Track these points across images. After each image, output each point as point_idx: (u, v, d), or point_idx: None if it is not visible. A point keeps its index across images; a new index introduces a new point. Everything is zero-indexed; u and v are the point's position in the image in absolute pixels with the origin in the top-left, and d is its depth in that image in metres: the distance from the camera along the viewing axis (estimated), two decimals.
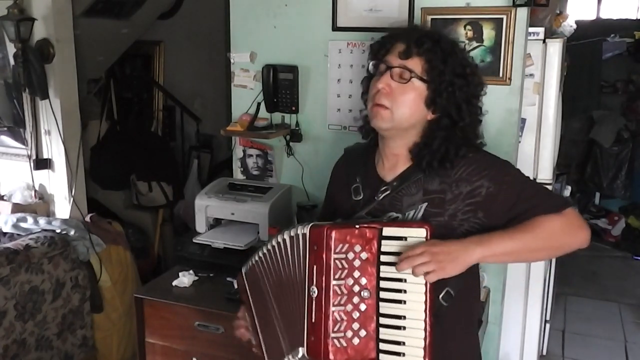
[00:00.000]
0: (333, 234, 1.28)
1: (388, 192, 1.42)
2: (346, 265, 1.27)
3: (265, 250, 1.45)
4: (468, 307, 1.50)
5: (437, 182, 1.39)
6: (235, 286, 2.03)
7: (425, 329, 1.24)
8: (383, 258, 1.27)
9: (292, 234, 1.37)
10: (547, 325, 3.14)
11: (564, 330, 3.57)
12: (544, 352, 3.24)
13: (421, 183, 1.40)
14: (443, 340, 1.29)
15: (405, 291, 1.26)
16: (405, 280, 1.26)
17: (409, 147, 1.42)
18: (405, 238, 1.27)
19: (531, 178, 1.46)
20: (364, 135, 1.56)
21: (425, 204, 1.38)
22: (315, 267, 1.29)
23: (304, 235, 1.33)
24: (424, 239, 1.28)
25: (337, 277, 1.27)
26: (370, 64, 1.44)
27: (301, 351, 1.31)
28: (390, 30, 1.46)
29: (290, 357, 1.34)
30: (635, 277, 4.36)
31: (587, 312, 3.77)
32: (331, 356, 1.25)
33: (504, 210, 1.36)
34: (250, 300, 1.52)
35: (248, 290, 1.53)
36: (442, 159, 1.37)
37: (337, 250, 1.28)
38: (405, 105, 1.36)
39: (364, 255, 1.27)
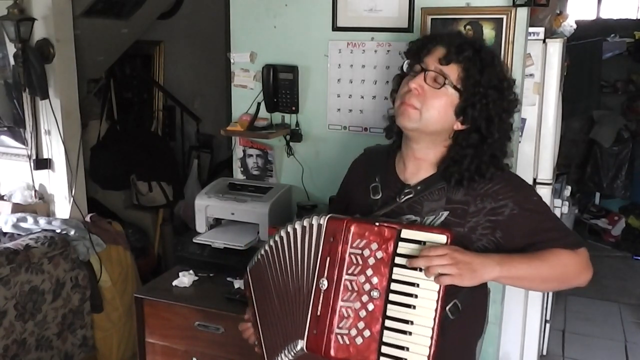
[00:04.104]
0: (352, 228, 1.27)
1: (411, 195, 1.40)
2: (360, 262, 1.26)
3: (272, 243, 1.43)
4: (472, 325, 1.48)
5: (462, 193, 1.37)
6: (236, 286, 2.04)
7: (432, 337, 1.21)
8: (398, 260, 1.25)
9: (306, 223, 1.35)
10: (547, 325, 3.14)
11: (564, 330, 3.57)
12: (544, 352, 3.24)
13: (445, 191, 1.38)
14: (441, 354, 1.26)
15: (416, 296, 1.23)
16: (418, 285, 1.23)
17: (436, 157, 1.41)
18: (424, 243, 1.25)
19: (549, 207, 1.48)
20: (387, 135, 1.53)
21: (447, 212, 1.37)
22: (328, 258, 1.28)
23: (319, 225, 1.32)
24: None
25: (349, 272, 1.26)
26: (406, 62, 1.41)
27: (300, 344, 1.29)
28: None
29: (287, 349, 1.33)
30: (635, 277, 4.37)
31: (587, 312, 3.77)
32: (332, 352, 1.24)
33: (521, 235, 1.35)
34: (253, 297, 1.50)
35: (252, 287, 1.51)
36: (470, 177, 1.35)
37: (353, 245, 1.27)
38: (435, 109, 1.33)
39: (379, 254, 1.25)
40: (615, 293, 4.03)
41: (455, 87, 1.33)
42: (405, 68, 1.41)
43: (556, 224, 1.42)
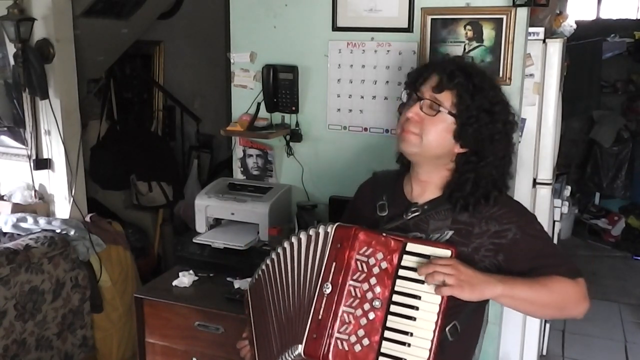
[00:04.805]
0: (360, 235, 1.30)
1: (418, 213, 1.44)
2: (365, 269, 1.27)
3: (274, 256, 1.47)
4: (467, 348, 1.52)
5: (467, 214, 1.41)
6: (236, 286, 2.04)
7: (430, 349, 1.21)
8: (401, 272, 1.27)
9: (312, 232, 1.38)
10: (547, 325, 3.14)
11: (564, 330, 3.57)
12: (544, 352, 3.24)
13: (450, 212, 1.42)
14: None
15: (417, 308, 1.24)
16: (420, 298, 1.24)
17: (440, 179, 1.45)
18: (429, 257, 1.27)
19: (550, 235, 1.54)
20: (397, 160, 1.58)
21: (452, 232, 1.40)
22: (334, 264, 1.30)
23: (326, 233, 1.35)
24: None
25: (354, 278, 1.27)
26: (404, 92, 1.49)
27: (299, 349, 1.29)
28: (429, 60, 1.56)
29: (287, 354, 1.33)
30: (635, 277, 4.36)
31: (587, 312, 3.74)
32: (330, 356, 1.24)
33: (523, 260, 1.38)
34: (252, 315, 1.53)
35: (250, 305, 1.54)
36: (475, 202, 1.40)
37: (360, 252, 1.29)
38: (433, 134, 1.39)
39: (384, 264, 1.27)
40: (615, 293, 4.03)
41: (450, 113, 1.38)
42: (404, 98, 1.49)
43: (557, 252, 1.45)
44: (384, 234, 1.30)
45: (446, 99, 1.38)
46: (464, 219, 1.41)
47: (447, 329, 1.34)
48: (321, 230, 1.36)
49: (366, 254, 1.28)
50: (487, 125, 1.38)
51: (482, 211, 1.40)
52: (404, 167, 1.55)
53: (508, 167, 1.46)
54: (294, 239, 1.42)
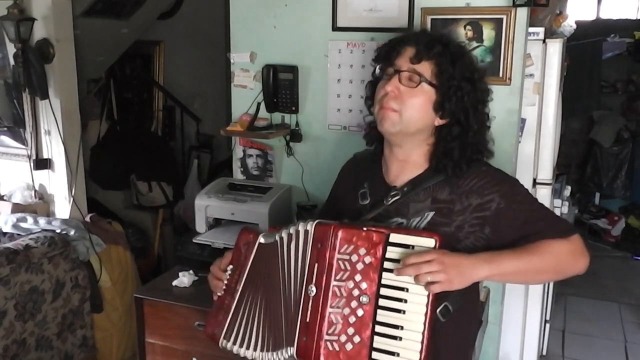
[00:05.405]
0: (339, 233, 1.27)
1: (398, 197, 1.41)
2: (349, 267, 1.26)
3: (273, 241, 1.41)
4: (464, 328, 1.48)
5: (447, 191, 1.37)
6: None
7: (422, 342, 1.20)
8: (387, 264, 1.25)
9: (292, 231, 1.34)
10: (547, 325, 3.14)
11: (564, 330, 3.57)
12: (544, 352, 3.24)
13: (430, 191, 1.39)
14: (434, 359, 1.25)
15: (405, 301, 1.23)
16: (407, 290, 1.23)
17: (420, 156, 1.42)
18: (413, 247, 1.25)
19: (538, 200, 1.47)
20: (368, 142, 1.54)
21: (433, 212, 1.37)
22: (316, 265, 1.28)
23: (306, 232, 1.31)
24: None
25: (338, 278, 1.26)
26: (377, 67, 1.43)
27: (290, 350, 1.29)
28: (398, 34, 1.47)
29: (278, 354, 1.32)
30: (635, 277, 4.37)
31: (587, 312, 3.77)
32: (322, 359, 1.23)
33: (511, 229, 1.35)
34: (245, 275, 1.43)
35: (252, 259, 1.42)
36: (467, 162, 1.37)
37: (341, 251, 1.26)
38: (414, 109, 1.35)
39: (367, 259, 1.25)
40: (615, 293, 4.02)
41: (430, 83, 1.35)
42: (377, 73, 1.43)
43: (545, 213, 1.41)
44: (365, 228, 1.27)
45: (425, 69, 1.34)
46: (443, 197, 1.37)
47: (437, 310, 1.30)
48: (301, 228, 1.33)
49: (347, 251, 1.26)
50: (469, 94, 1.36)
51: (461, 186, 1.36)
52: (379, 148, 1.50)
53: (487, 134, 1.44)
54: (277, 237, 1.37)
